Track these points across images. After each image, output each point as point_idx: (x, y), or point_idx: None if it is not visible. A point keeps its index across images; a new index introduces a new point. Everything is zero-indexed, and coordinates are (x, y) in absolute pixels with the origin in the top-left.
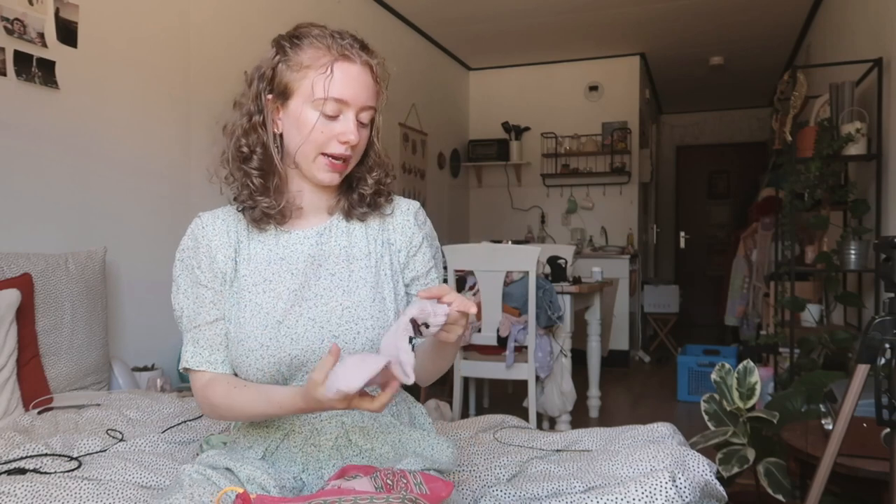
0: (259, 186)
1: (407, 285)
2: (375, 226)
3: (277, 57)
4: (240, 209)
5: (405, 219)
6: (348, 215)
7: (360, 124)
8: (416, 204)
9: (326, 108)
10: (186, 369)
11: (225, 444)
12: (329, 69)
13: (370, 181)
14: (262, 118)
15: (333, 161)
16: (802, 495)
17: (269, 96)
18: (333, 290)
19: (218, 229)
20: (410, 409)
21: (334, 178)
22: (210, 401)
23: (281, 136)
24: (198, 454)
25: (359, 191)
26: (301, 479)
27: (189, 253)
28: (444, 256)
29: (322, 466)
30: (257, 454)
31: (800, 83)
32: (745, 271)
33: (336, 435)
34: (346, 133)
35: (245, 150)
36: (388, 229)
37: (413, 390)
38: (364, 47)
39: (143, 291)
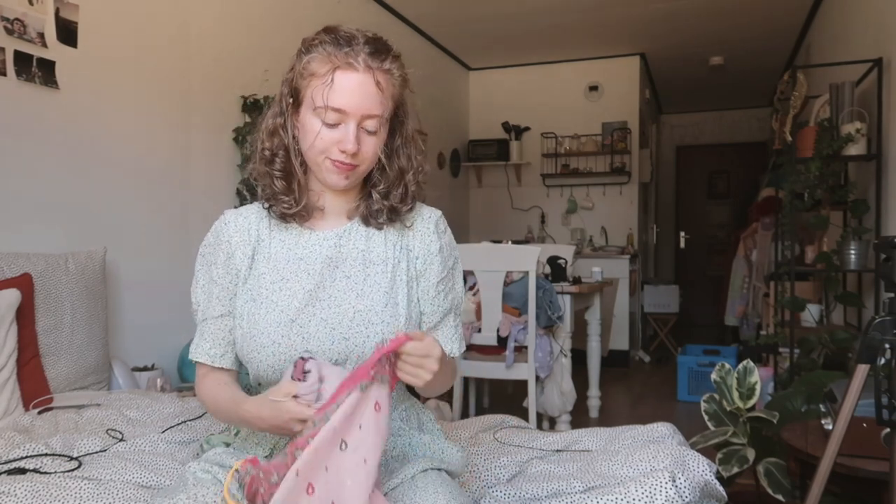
0: (281, 188)
1: (424, 291)
2: (395, 231)
3: (295, 62)
4: (266, 207)
5: (426, 227)
6: (367, 221)
7: (366, 132)
8: (438, 212)
9: (327, 118)
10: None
11: (227, 444)
12: (329, 78)
13: (391, 195)
14: (283, 121)
15: (338, 164)
16: (802, 495)
17: (290, 100)
18: (347, 293)
19: (240, 227)
20: (419, 415)
21: (341, 181)
22: (201, 392)
23: (296, 138)
24: (198, 454)
25: (375, 199)
26: None
27: (209, 249)
28: None
29: None
30: (264, 452)
31: (800, 83)
32: (745, 271)
33: None
34: (344, 142)
35: (267, 153)
36: (407, 235)
37: (414, 391)
38: (374, 52)
39: (143, 291)
